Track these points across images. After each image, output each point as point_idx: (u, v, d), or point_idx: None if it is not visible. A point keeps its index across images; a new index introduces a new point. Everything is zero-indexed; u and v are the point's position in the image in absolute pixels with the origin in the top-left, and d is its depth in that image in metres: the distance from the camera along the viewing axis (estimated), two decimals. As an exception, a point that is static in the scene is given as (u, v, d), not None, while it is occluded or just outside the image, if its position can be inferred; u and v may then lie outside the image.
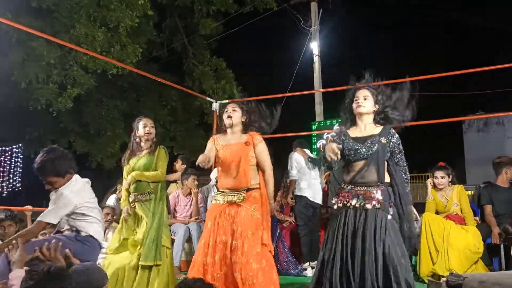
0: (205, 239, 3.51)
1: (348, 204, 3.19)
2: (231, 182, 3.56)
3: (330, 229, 3.27)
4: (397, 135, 3.24)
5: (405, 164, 3.25)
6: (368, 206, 3.11)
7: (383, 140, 3.19)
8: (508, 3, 12.60)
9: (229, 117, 3.64)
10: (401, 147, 3.24)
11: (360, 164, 3.21)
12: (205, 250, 3.47)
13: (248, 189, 3.55)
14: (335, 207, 3.27)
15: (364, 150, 3.19)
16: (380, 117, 3.29)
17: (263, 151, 3.64)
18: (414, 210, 3.32)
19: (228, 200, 3.54)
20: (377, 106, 3.29)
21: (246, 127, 3.69)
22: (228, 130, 3.70)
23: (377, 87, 3.33)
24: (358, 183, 3.20)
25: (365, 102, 3.27)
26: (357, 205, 3.15)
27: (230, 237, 3.44)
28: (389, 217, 3.09)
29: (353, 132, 3.32)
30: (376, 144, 3.17)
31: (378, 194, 3.12)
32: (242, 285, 3.27)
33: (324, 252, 3.21)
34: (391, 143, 3.21)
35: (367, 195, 3.13)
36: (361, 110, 3.27)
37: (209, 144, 3.74)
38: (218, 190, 3.68)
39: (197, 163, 3.45)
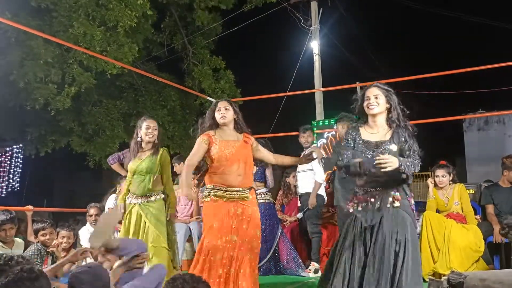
0: (211, 239, 3.47)
1: (364, 205, 3.13)
2: (239, 180, 3.57)
3: (344, 231, 3.23)
4: (408, 133, 3.11)
5: (417, 158, 3.09)
6: (388, 205, 3.06)
7: (394, 148, 3.08)
8: (508, 2, 12.61)
9: (223, 116, 3.67)
10: (411, 142, 3.10)
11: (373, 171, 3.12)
12: (213, 250, 3.45)
13: (250, 188, 3.66)
14: (351, 210, 3.19)
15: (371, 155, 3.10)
16: (392, 117, 3.16)
17: (262, 147, 3.89)
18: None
19: (235, 197, 3.56)
20: (388, 104, 3.16)
21: (238, 125, 3.76)
22: (223, 127, 3.72)
23: (384, 85, 3.22)
24: (372, 187, 3.13)
25: (376, 101, 3.15)
26: (375, 205, 3.09)
27: (238, 234, 3.49)
28: (409, 217, 3.05)
29: (365, 133, 3.22)
30: (386, 154, 3.05)
31: (394, 193, 3.07)
32: (249, 277, 3.43)
33: (340, 250, 3.17)
34: (401, 145, 3.10)
35: (383, 195, 3.08)
36: (374, 111, 3.15)
37: (201, 143, 3.64)
38: (220, 188, 3.57)
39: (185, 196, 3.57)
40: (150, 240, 4.01)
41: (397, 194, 3.08)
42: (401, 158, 3.01)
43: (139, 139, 4.25)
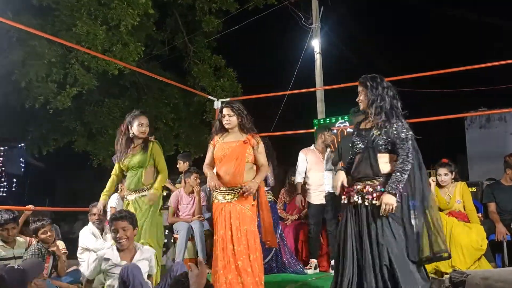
0: (215, 236, 3.88)
1: (352, 200, 3.22)
2: (228, 179, 3.81)
3: (339, 226, 3.36)
4: (399, 124, 3.12)
5: (404, 153, 3.06)
6: (366, 203, 3.13)
7: (376, 132, 3.16)
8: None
9: (228, 123, 3.92)
10: (402, 135, 3.09)
11: (357, 158, 3.26)
12: (216, 245, 3.84)
13: (242, 187, 3.79)
14: (342, 202, 3.33)
15: (360, 144, 3.24)
16: (373, 110, 3.21)
17: (262, 151, 3.96)
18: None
19: (226, 198, 3.83)
20: (366, 97, 3.25)
21: (244, 127, 3.96)
22: (230, 130, 3.99)
23: (366, 79, 3.27)
24: (356, 178, 3.23)
25: (360, 97, 3.29)
26: (357, 202, 3.18)
27: (228, 230, 3.76)
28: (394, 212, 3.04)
29: (363, 124, 3.35)
30: (368, 137, 3.19)
31: (375, 188, 3.11)
32: (242, 272, 3.65)
33: (337, 249, 3.29)
34: (389, 134, 3.12)
35: (365, 190, 3.14)
36: (361, 107, 3.31)
37: (210, 148, 4.03)
38: (216, 190, 3.87)
39: (211, 189, 3.86)
40: (147, 235, 3.99)
41: (378, 191, 3.10)
42: (389, 182, 3.03)
43: (131, 135, 4.19)
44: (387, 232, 3.02)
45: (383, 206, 2.99)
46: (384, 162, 3.16)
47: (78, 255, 4.91)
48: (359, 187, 3.19)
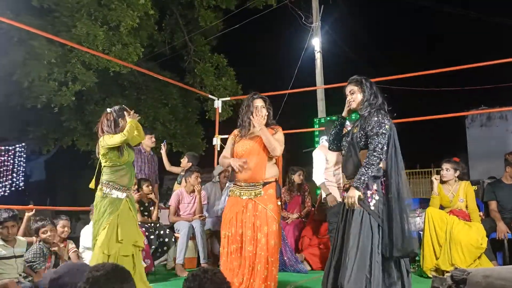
0: (225, 231, 3.71)
1: (342, 199, 3.32)
2: (249, 174, 3.68)
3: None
4: (375, 119, 3.07)
5: (371, 147, 3.01)
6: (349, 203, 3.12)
7: (355, 129, 3.19)
8: (510, -3, 12.55)
9: (261, 117, 3.71)
10: (375, 130, 3.03)
11: (344, 156, 3.30)
12: (224, 241, 3.71)
13: (265, 183, 3.68)
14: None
15: (345, 143, 3.29)
16: (363, 107, 3.22)
17: (279, 138, 3.77)
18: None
19: (247, 195, 3.67)
20: (360, 96, 3.25)
21: (267, 121, 3.80)
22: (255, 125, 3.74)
23: (361, 78, 3.28)
24: (345, 176, 3.27)
25: (352, 96, 3.27)
26: (343, 200, 3.23)
27: (248, 230, 3.60)
28: (372, 208, 3.01)
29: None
30: (349, 135, 3.24)
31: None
32: (257, 276, 3.51)
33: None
34: (364, 130, 3.11)
35: (349, 187, 3.15)
36: (352, 106, 3.30)
37: (229, 141, 3.91)
38: (235, 184, 3.77)
39: (236, 169, 3.67)
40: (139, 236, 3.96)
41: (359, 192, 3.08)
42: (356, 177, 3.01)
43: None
44: (354, 224, 3.02)
45: (346, 199, 3.04)
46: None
47: (79, 254, 4.92)
48: (347, 185, 3.23)
